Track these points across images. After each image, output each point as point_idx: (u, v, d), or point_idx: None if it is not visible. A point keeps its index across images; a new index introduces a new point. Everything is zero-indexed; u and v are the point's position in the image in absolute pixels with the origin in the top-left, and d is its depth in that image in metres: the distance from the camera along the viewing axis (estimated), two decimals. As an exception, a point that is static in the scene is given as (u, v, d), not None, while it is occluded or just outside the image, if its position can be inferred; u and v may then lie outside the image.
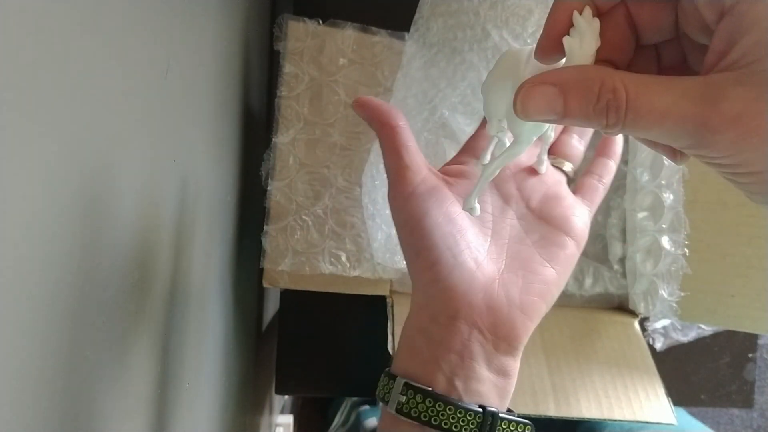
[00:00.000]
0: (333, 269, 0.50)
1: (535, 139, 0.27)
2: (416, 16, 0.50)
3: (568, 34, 0.22)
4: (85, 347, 0.23)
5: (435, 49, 0.50)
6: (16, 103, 0.17)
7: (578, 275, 0.58)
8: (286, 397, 1.07)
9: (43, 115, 0.19)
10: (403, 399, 0.26)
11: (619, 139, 0.34)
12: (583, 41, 0.21)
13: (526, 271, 0.29)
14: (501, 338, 0.27)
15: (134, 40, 0.26)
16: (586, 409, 0.49)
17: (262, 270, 0.50)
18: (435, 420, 0.26)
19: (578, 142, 0.34)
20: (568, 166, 0.34)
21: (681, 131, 0.18)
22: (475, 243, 0.28)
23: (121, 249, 0.26)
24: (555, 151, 0.34)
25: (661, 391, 0.51)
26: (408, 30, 0.50)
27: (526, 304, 0.28)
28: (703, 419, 0.58)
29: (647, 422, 0.49)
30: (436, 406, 0.26)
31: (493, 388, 0.28)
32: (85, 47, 0.21)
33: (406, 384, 0.27)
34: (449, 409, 0.26)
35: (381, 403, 0.28)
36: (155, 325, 0.31)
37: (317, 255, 0.50)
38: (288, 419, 0.96)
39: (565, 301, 0.59)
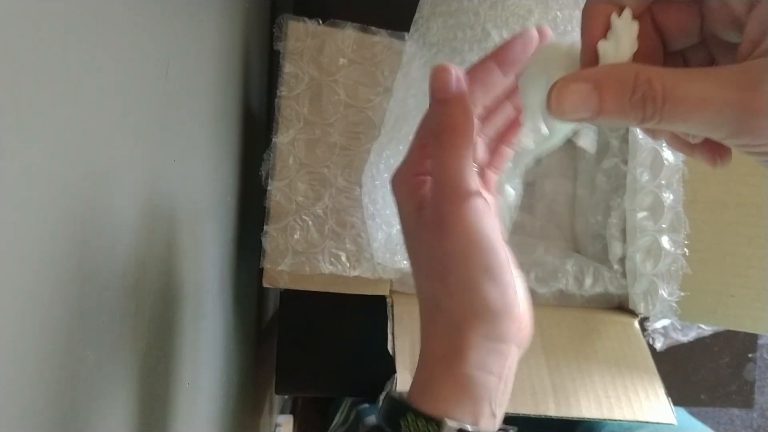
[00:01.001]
0: (333, 269, 0.50)
1: (568, 136, 0.26)
2: (416, 16, 0.50)
3: (605, 38, 0.21)
4: (85, 347, 0.23)
5: (435, 49, 0.50)
6: (16, 103, 0.17)
7: (578, 275, 0.58)
8: (286, 396, 1.07)
9: (43, 115, 0.19)
10: None
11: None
12: (619, 45, 0.21)
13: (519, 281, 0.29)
14: (524, 348, 0.28)
15: (134, 40, 0.26)
16: (586, 409, 0.49)
17: (262, 270, 0.50)
18: None
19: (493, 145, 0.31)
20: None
21: (721, 118, 0.17)
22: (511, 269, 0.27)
23: (121, 249, 0.26)
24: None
25: (661, 391, 0.51)
26: (408, 30, 0.50)
27: (527, 309, 0.29)
28: (703, 419, 0.58)
29: (647, 422, 0.49)
30: None
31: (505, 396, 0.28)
32: (86, 47, 0.21)
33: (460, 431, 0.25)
34: None
35: None
36: (155, 325, 0.31)
37: (317, 255, 0.50)
38: (288, 419, 0.96)
39: (565, 301, 0.59)
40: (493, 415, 0.27)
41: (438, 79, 0.25)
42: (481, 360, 0.26)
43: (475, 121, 0.26)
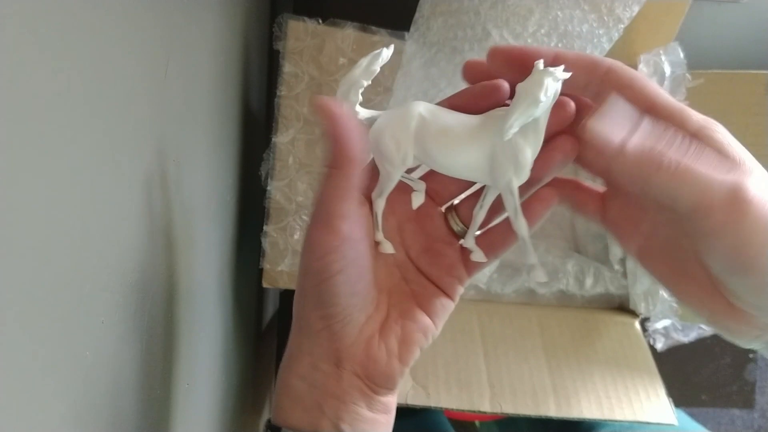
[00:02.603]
0: (333, 269, 0.50)
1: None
2: (416, 15, 0.50)
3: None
4: (84, 347, 0.23)
5: (435, 49, 0.50)
6: (15, 103, 0.17)
7: (579, 275, 0.58)
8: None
9: (43, 115, 0.19)
10: None
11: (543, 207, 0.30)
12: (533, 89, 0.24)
13: (406, 320, 0.29)
14: (379, 385, 0.28)
15: (134, 39, 0.26)
16: (586, 409, 0.49)
17: (261, 270, 0.50)
18: None
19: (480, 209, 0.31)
20: (459, 228, 0.30)
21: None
22: (368, 295, 0.28)
23: (121, 249, 0.26)
24: (455, 209, 0.31)
25: (661, 392, 0.51)
26: (408, 29, 0.50)
27: (404, 353, 0.28)
28: (704, 420, 0.57)
29: (648, 423, 0.49)
30: None
31: (379, 426, 0.28)
32: (85, 47, 0.21)
33: None
34: None
35: None
36: (155, 325, 0.31)
37: (317, 255, 0.50)
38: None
39: (565, 301, 0.59)
40: (336, 429, 0.27)
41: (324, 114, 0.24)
42: (305, 373, 0.28)
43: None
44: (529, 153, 0.25)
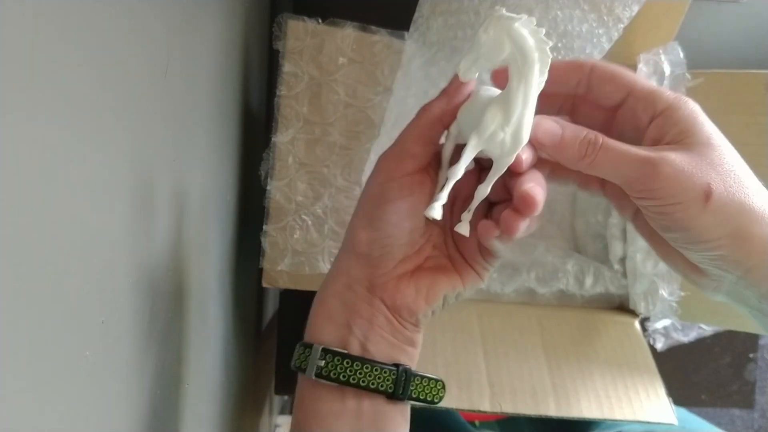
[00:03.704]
0: (333, 269, 0.50)
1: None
2: (416, 15, 0.50)
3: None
4: (84, 347, 0.23)
5: (435, 48, 0.50)
6: (16, 102, 0.17)
7: (579, 275, 0.58)
8: (286, 397, 1.07)
9: (43, 115, 0.19)
10: (322, 363, 0.28)
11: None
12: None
13: (439, 274, 0.31)
14: (403, 317, 0.30)
15: (134, 39, 0.26)
16: (586, 408, 0.49)
17: (261, 270, 0.50)
18: (353, 379, 0.28)
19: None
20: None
21: (629, 170, 0.26)
22: (411, 239, 0.30)
23: (121, 249, 0.26)
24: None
25: (661, 391, 0.51)
26: (408, 29, 0.50)
27: (430, 296, 0.30)
28: (704, 419, 0.57)
29: (648, 422, 0.49)
30: (354, 366, 0.28)
31: (402, 352, 0.30)
32: (85, 47, 0.21)
33: (324, 350, 0.29)
34: (366, 368, 0.28)
35: (299, 373, 0.30)
36: (155, 325, 0.31)
37: (316, 255, 0.50)
38: (287, 420, 0.96)
39: (565, 301, 0.59)
40: (364, 349, 0.29)
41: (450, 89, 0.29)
42: (340, 291, 0.30)
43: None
44: (491, 119, 0.27)
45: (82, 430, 0.23)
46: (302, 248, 0.50)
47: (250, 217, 0.56)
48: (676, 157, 0.26)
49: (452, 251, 0.32)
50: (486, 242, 0.30)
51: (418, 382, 0.30)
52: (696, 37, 0.54)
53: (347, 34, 0.50)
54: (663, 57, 0.53)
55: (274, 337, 0.58)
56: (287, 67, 0.49)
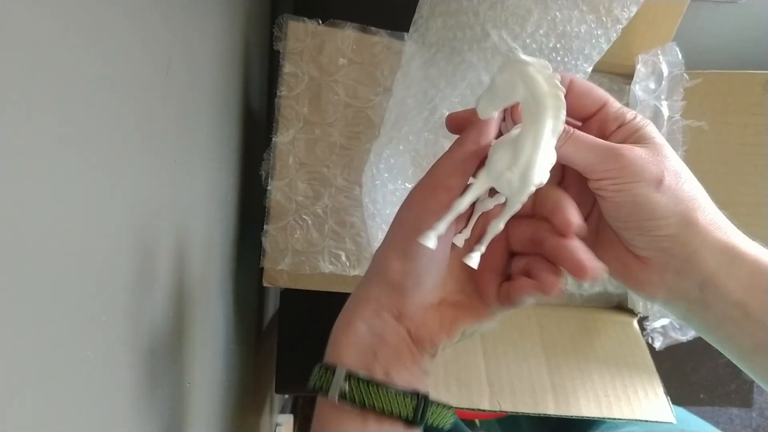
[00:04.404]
0: (333, 268, 0.50)
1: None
2: (416, 16, 0.50)
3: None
4: (85, 346, 0.23)
5: (434, 49, 0.50)
6: (16, 102, 0.17)
7: (577, 275, 0.58)
8: (286, 396, 1.07)
9: (43, 114, 0.19)
10: (347, 387, 0.29)
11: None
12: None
13: (459, 311, 0.31)
14: (423, 347, 0.31)
15: (135, 39, 0.26)
16: (585, 407, 0.49)
17: (262, 269, 0.50)
18: (377, 404, 0.29)
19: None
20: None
21: (596, 154, 0.29)
22: (440, 272, 0.31)
23: (121, 249, 0.26)
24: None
25: (660, 390, 0.51)
26: (407, 30, 0.50)
27: (452, 329, 0.31)
28: (702, 418, 0.58)
29: (646, 421, 0.49)
30: (380, 392, 0.29)
31: (419, 381, 0.31)
32: (86, 47, 0.21)
33: (349, 373, 0.29)
34: (390, 394, 0.29)
35: (319, 394, 0.30)
36: (155, 325, 0.31)
37: (317, 254, 0.50)
38: (288, 418, 0.96)
39: (564, 300, 0.59)
40: (388, 376, 0.29)
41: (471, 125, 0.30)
42: (368, 317, 0.30)
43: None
44: (499, 159, 0.28)
45: (83, 430, 0.23)
46: (302, 248, 0.50)
47: (250, 217, 0.56)
48: (635, 148, 0.29)
49: (470, 290, 0.32)
50: (518, 297, 0.30)
51: (434, 409, 0.31)
52: (694, 38, 0.55)
53: (347, 34, 0.50)
54: (661, 57, 0.53)
55: (275, 337, 0.58)
56: (287, 67, 0.49)
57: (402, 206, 0.31)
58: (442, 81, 0.50)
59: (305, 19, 0.49)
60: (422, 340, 0.30)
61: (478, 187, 0.29)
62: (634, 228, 0.30)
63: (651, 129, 0.30)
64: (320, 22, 0.49)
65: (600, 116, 0.31)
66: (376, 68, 0.50)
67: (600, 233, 0.32)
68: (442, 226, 0.29)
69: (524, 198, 0.28)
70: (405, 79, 0.50)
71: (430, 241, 0.28)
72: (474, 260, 0.30)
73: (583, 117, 0.32)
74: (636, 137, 0.30)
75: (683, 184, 0.29)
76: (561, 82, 0.29)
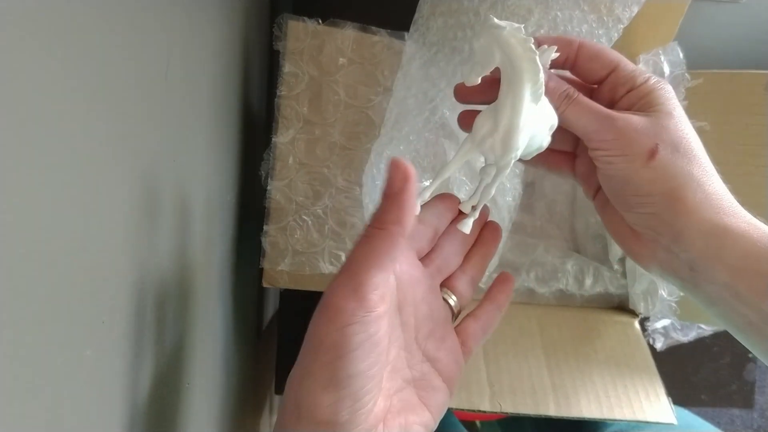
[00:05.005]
0: (333, 269, 0.50)
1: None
2: (416, 15, 0.50)
3: None
4: (84, 346, 0.23)
5: (435, 49, 0.50)
6: (16, 102, 0.17)
7: (578, 275, 0.58)
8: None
9: (43, 115, 0.19)
10: None
11: (510, 287, 0.33)
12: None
13: (409, 414, 0.27)
14: None
15: (134, 39, 0.26)
16: (585, 408, 0.49)
17: (261, 270, 0.50)
18: None
19: (469, 284, 0.33)
20: (454, 302, 0.32)
21: (592, 120, 0.29)
22: (379, 382, 0.25)
23: (121, 249, 0.26)
24: (446, 284, 0.32)
25: (661, 391, 0.51)
26: (408, 30, 0.50)
27: None
28: (703, 419, 0.58)
29: (648, 422, 0.49)
30: None
31: None
32: (86, 47, 0.21)
33: None
34: None
35: None
36: (155, 325, 0.31)
37: (317, 255, 0.50)
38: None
39: (565, 300, 0.59)
40: None
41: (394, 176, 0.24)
42: None
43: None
44: (481, 125, 0.28)
45: (82, 430, 0.23)
46: (302, 248, 0.50)
47: (250, 218, 0.56)
48: (632, 117, 0.28)
49: (418, 371, 0.28)
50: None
51: None
52: (696, 38, 0.55)
53: (347, 34, 0.50)
54: (662, 57, 0.53)
55: (275, 337, 0.58)
56: (287, 67, 0.49)
57: (316, 319, 0.25)
58: (442, 81, 0.50)
59: (305, 18, 0.49)
60: None
61: (463, 154, 0.29)
62: (621, 203, 0.30)
63: (660, 94, 0.29)
64: (320, 21, 0.49)
65: (611, 80, 0.30)
66: (377, 68, 0.50)
67: (607, 205, 0.32)
68: (428, 193, 0.29)
69: (509, 161, 0.27)
70: (405, 79, 0.50)
71: (416, 208, 0.25)
72: (467, 226, 0.30)
73: (595, 81, 0.31)
74: (643, 103, 0.29)
75: (677, 159, 0.28)
76: (571, 45, 0.30)
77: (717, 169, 0.29)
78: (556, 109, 0.29)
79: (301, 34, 0.49)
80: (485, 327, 0.32)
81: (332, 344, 0.23)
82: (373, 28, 0.50)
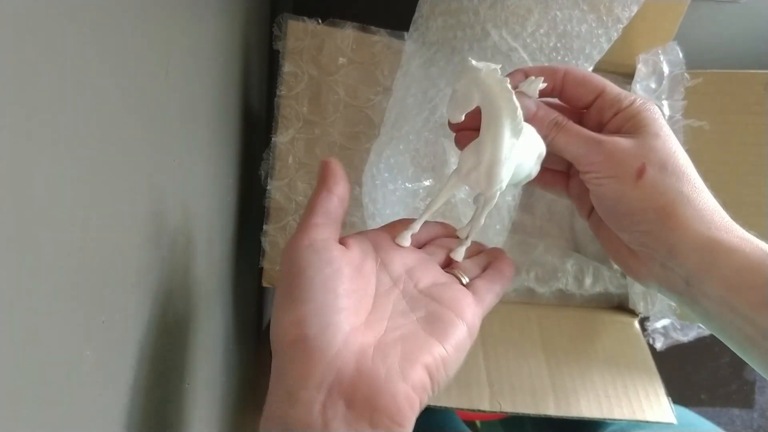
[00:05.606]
0: (333, 269, 0.50)
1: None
2: (416, 15, 0.50)
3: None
4: (84, 346, 0.23)
5: (434, 49, 0.50)
6: (15, 102, 0.17)
7: (578, 275, 0.58)
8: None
9: (43, 115, 0.19)
10: None
11: (509, 270, 0.33)
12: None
13: (409, 343, 0.25)
14: (380, 411, 0.22)
15: (134, 39, 0.26)
16: (585, 408, 0.49)
17: (261, 269, 0.50)
18: None
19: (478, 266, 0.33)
20: (464, 278, 0.31)
21: (580, 145, 0.30)
22: (354, 306, 0.25)
23: (121, 249, 0.26)
24: (457, 266, 0.32)
25: (661, 391, 0.51)
26: (407, 29, 0.50)
27: (409, 373, 0.23)
28: (704, 418, 0.58)
29: (648, 422, 0.49)
30: None
31: None
32: (86, 47, 0.21)
33: None
34: None
35: None
36: (155, 325, 0.31)
37: (317, 255, 0.50)
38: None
39: (564, 300, 0.59)
40: None
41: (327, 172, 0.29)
42: (280, 413, 0.23)
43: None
44: (465, 159, 0.30)
45: (82, 430, 0.23)
46: (302, 248, 0.50)
47: (250, 217, 0.56)
48: (619, 140, 0.29)
49: (424, 312, 0.27)
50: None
51: None
52: (695, 37, 0.55)
53: (347, 34, 0.50)
54: (662, 57, 0.53)
55: (274, 337, 0.58)
56: (287, 67, 0.49)
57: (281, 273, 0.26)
58: (442, 80, 0.50)
59: (305, 18, 0.49)
60: (371, 399, 0.22)
61: (449, 188, 0.30)
62: (615, 222, 0.30)
63: (647, 115, 0.30)
64: (320, 21, 0.49)
65: (598, 104, 0.31)
66: (376, 68, 0.50)
67: (603, 228, 0.33)
68: (417, 225, 0.30)
69: (495, 193, 0.29)
70: (405, 78, 0.50)
71: (406, 240, 0.30)
72: (459, 254, 0.32)
73: (583, 105, 0.32)
74: (631, 125, 0.30)
75: (666, 177, 0.28)
76: (557, 73, 0.31)
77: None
78: (546, 136, 0.30)
79: (300, 34, 0.49)
80: (492, 284, 0.31)
81: (287, 273, 0.26)
82: (373, 27, 0.50)
